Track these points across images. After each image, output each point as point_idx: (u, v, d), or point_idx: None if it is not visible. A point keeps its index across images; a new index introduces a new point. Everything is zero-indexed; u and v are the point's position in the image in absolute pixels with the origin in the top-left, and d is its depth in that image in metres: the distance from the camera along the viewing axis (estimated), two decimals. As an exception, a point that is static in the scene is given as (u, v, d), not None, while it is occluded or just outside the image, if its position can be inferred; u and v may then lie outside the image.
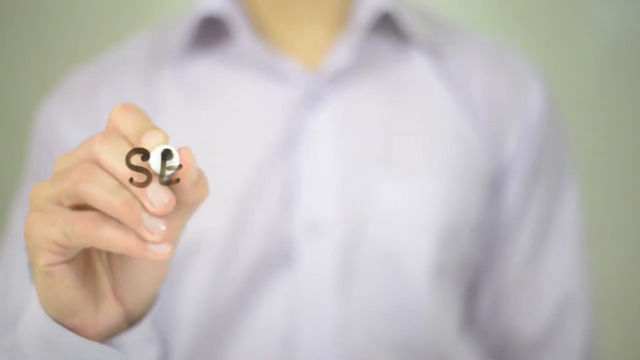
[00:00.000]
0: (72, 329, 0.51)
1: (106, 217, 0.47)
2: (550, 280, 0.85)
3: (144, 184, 0.45)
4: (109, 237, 0.46)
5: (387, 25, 0.84)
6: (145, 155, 0.45)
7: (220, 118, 0.80)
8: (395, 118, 0.81)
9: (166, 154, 0.45)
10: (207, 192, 0.48)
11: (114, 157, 0.46)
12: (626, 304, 1.37)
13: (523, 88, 0.85)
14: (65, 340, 0.51)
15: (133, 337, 0.53)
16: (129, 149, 0.46)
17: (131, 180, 0.46)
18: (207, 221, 0.76)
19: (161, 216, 0.46)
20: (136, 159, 0.45)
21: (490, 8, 1.36)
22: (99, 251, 0.52)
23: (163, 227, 0.45)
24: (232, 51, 0.82)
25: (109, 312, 0.52)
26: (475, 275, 0.85)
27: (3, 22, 1.34)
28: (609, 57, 1.37)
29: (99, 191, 0.46)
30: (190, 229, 0.53)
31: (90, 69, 0.85)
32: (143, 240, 0.46)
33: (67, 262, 0.49)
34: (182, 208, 0.48)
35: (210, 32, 0.82)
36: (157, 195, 0.45)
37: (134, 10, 1.33)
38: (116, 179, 0.46)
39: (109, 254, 0.52)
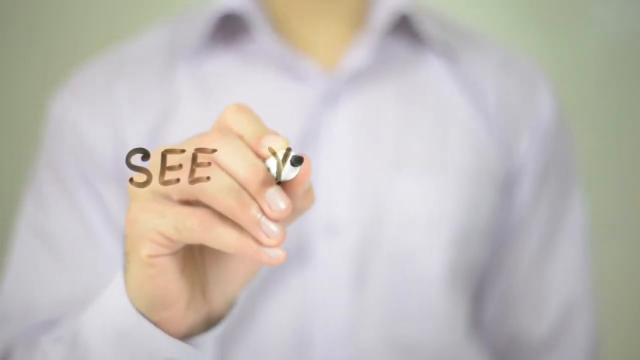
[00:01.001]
0: (156, 324, 0.50)
1: (220, 215, 0.46)
2: (557, 282, 0.86)
3: (143, 184, 0.45)
4: (223, 236, 0.46)
5: (403, 27, 0.84)
6: (145, 155, 0.45)
7: None
8: (410, 119, 0.81)
9: (295, 160, 0.45)
10: (313, 201, 0.49)
11: (234, 157, 0.46)
12: (626, 304, 1.37)
13: (534, 94, 0.86)
14: (145, 335, 0.50)
15: (209, 338, 0.53)
16: (247, 150, 0.46)
17: (131, 180, 0.45)
18: None
19: (276, 220, 0.46)
20: (136, 159, 0.45)
21: (491, 8, 1.36)
22: (198, 247, 0.51)
23: (279, 232, 0.46)
24: (250, 49, 0.81)
25: (197, 310, 0.51)
26: (482, 277, 0.85)
27: (3, 22, 1.34)
28: (609, 57, 1.36)
29: (217, 190, 0.45)
30: None
31: (106, 60, 0.84)
32: (258, 242, 0.46)
33: (170, 255, 0.48)
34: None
35: (229, 29, 0.82)
36: (275, 200, 0.45)
37: (134, 10, 1.33)
38: (234, 179, 0.46)
39: (205, 252, 0.52)
